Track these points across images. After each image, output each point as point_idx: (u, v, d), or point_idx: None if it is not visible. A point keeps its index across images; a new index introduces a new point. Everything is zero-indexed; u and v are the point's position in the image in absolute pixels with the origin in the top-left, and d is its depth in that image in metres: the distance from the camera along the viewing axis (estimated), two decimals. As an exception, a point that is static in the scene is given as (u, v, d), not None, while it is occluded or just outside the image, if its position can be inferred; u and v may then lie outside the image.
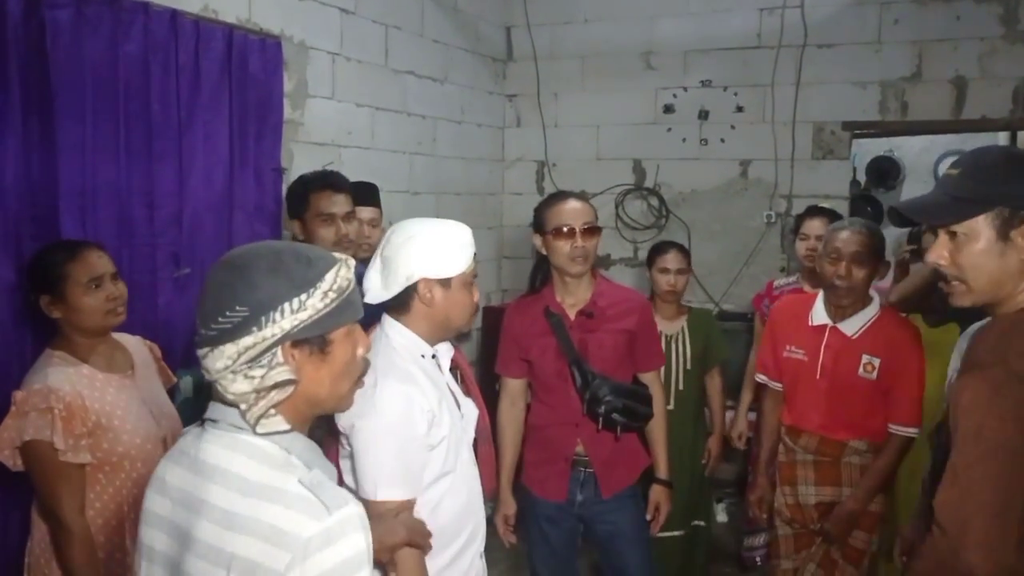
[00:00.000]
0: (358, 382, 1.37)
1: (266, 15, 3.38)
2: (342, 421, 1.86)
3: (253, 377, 1.22)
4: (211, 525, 1.20)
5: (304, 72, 3.64)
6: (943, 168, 6.68)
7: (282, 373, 1.22)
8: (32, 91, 2.56)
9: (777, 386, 2.93)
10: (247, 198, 3.23)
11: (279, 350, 1.22)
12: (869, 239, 2.69)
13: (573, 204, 2.65)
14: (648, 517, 2.82)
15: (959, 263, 1.61)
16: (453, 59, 4.76)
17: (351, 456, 1.89)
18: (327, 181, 2.76)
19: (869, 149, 6.69)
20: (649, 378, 2.82)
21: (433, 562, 1.91)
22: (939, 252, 1.63)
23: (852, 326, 2.73)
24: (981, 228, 1.58)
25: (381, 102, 4.16)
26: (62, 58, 2.60)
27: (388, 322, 1.98)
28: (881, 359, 2.67)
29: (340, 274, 1.28)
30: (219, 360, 1.21)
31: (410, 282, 1.92)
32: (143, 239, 2.86)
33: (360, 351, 1.34)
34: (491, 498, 2.26)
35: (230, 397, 1.23)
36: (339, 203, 2.74)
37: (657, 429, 2.80)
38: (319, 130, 3.75)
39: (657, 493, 2.83)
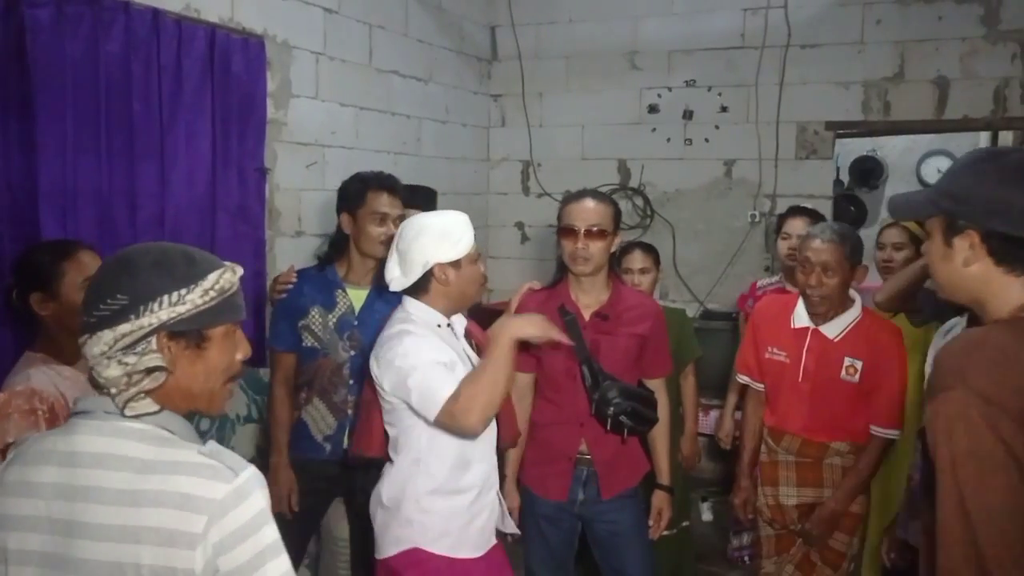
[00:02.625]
0: (232, 384, 1.44)
1: (249, 14, 3.36)
2: (375, 373, 2.24)
3: (126, 363, 1.29)
4: (107, 507, 1.25)
5: (287, 72, 3.62)
6: (925, 168, 6.75)
7: (154, 359, 1.29)
8: (12, 90, 2.53)
9: (759, 387, 2.93)
10: (230, 198, 3.21)
11: (154, 339, 1.30)
12: (840, 247, 2.67)
13: (582, 204, 2.65)
14: (650, 522, 2.80)
15: (927, 259, 1.66)
16: (437, 59, 4.75)
17: (397, 408, 2.24)
18: (387, 183, 2.89)
19: (852, 149, 6.72)
20: (655, 385, 2.80)
21: (457, 500, 2.27)
22: None
23: (834, 329, 2.74)
24: (935, 230, 1.61)
25: (365, 102, 4.15)
26: (42, 57, 2.57)
27: (408, 301, 2.32)
28: (863, 361, 2.68)
29: (224, 277, 1.36)
30: (96, 346, 1.29)
31: (427, 268, 2.25)
32: (125, 239, 2.83)
33: (239, 355, 1.42)
34: (513, 444, 2.63)
35: (102, 382, 1.29)
36: (394, 205, 2.88)
37: (660, 435, 2.79)
38: (303, 130, 3.73)
39: (660, 499, 2.82)
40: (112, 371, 1.28)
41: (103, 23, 2.74)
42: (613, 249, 2.70)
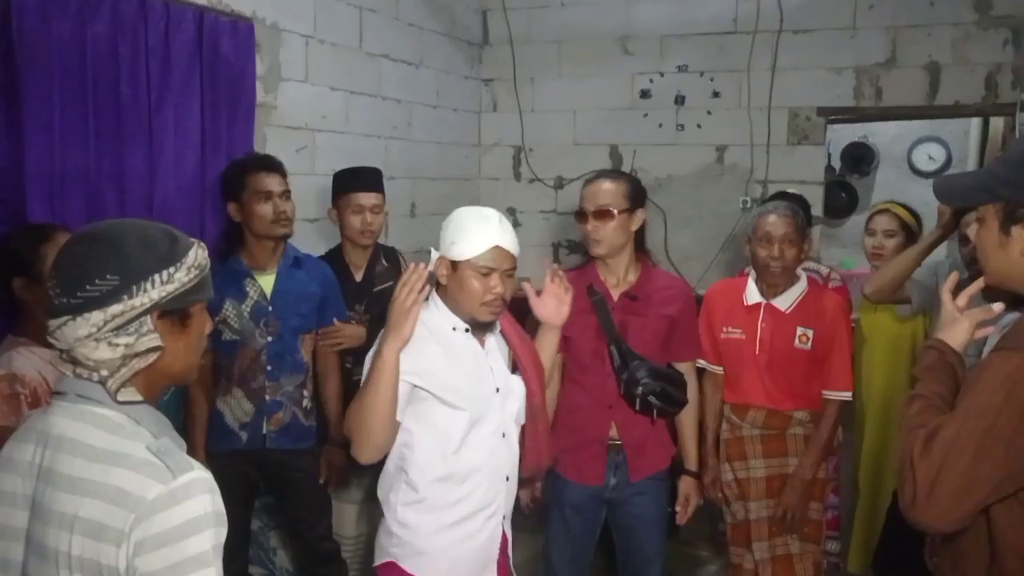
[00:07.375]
0: (202, 358, 1.48)
1: (238, -3, 3.33)
2: None
3: (117, 344, 1.27)
4: (57, 492, 1.25)
5: (277, 55, 3.59)
6: (916, 154, 6.77)
7: (152, 340, 1.30)
8: (-3, 73, 2.51)
9: (717, 369, 3.02)
10: (219, 182, 3.19)
11: (148, 318, 1.30)
12: (796, 220, 2.86)
13: (593, 186, 2.67)
14: (679, 508, 2.82)
15: (977, 246, 1.65)
16: (428, 43, 4.72)
17: None
18: (264, 162, 2.89)
19: (844, 135, 6.74)
20: (684, 368, 2.78)
21: (441, 517, 2.07)
22: (973, 231, 1.67)
23: (785, 301, 2.89)
24: (989, 216, 1.58)
25: (356, 86, 4.12)
26: (28, 40, 2.54)
27: (431, 296, 2.14)
28: (814, 330, 2.84)
29: (199, 254, 1.37)
30: (82, 328, 1.26)
31: (436, 256, 2.10)
32: (113, 224, 2.82)
33: (206, 330, 1.44)
34: (537, 475, 2.40)
35: (90, 364, 1.28)
36: (275, 182, 2.86)
37: (688, 420, 2.80)
38: (293, 114, 3.71)
39: (687, 484, 2.83)
40: (102, 353, 1.27)
41: (90, 5, 2.72)
42: (634, 228, 2.68)
